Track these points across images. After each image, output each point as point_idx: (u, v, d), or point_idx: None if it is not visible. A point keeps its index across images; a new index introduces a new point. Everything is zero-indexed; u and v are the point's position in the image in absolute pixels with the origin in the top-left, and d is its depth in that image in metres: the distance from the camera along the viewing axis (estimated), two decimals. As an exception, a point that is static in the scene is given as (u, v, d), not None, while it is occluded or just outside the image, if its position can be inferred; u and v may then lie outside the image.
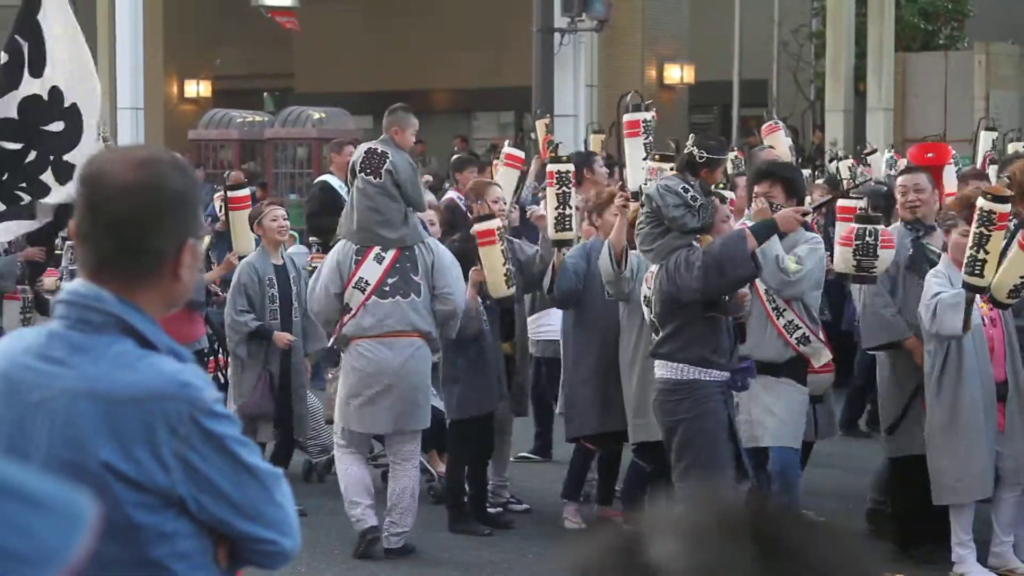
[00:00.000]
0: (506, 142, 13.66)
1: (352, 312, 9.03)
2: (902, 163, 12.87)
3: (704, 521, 1.39)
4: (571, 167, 9.84)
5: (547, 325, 10.82)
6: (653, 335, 8.16)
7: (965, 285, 8.13)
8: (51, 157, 6.85)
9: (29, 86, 6.92)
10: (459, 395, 9.59)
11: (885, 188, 10.53)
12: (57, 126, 6.84)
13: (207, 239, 10.77)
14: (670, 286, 7.91)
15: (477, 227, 9.43)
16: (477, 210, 9.90)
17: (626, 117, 9.42)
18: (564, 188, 9.59)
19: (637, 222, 8.31)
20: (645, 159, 9.22)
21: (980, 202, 8.13)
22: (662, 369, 8.01)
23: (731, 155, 12.40)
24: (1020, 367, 8.64)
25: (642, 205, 8.30)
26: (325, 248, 10.70)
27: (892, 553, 8.59)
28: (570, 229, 9.58)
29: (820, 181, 14.12)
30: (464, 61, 31.50)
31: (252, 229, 10.49)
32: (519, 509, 10.21)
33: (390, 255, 9.04)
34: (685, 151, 8.33)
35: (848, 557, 1.39)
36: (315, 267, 10.08)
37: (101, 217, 2.96)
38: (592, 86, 27.72)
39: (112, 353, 2.93)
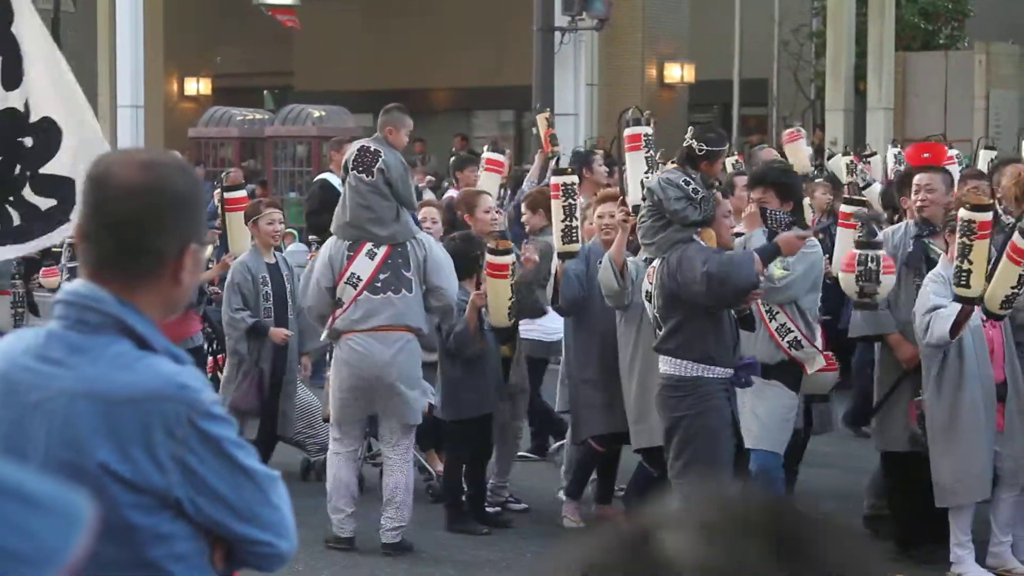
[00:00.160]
0: (485, 147, 13.65)
1: (344, 307, 9.11)
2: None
3: (717, 518, 1.36)
4: (576, 179, 9.82)
5: (533, 325, 10.81)
6: (656, 331, 8.16)
7: (956, 298, 8.14)
8: (28, 172, 6.86)
9: (3, 100, 6.93)
10: (457, 395, 9.59)
11: (883, 215, 10.49)
12: (28, 141, 6.85)
13: (210, 248, 10.78)
14: (671, 282, 7.91)
15: (492, 259, 9.41)
16: (469, 221, 10.04)
17: (627, 131, 9.43)
18: (570, 200, 9.56)
19: (639, 215, 8.32)
20: (646, 173, 9.23)
21: (960, 212, 8.15)
22: (665, 365, 8.01)
23: (731, 160, 12.40)
24: (1019, 368, 8.65)
25: (644, 199, 8.32)
26: (324, 246, 10.73)
27: (892, 553, 8.60)
28: (577, 241, 9.56)
29: (819, 180, 14.10)
30: (464, 60, 31.49)
31: (247, 223, 10.52)
32: (517, 508, 10.21)
33: (382, 251, 9.11)
34: (684, 144, 8.34)
35: (859, 558, 1.37)
36: (314, 265, 10.11)
37: (103, 217, 2.96)
38: (592, 85, 27.73)
39: (110, 354, 2.94)
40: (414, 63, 31.80)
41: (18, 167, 6.81)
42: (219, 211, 11.19)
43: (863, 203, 10.24)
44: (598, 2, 25.42)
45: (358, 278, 9.09)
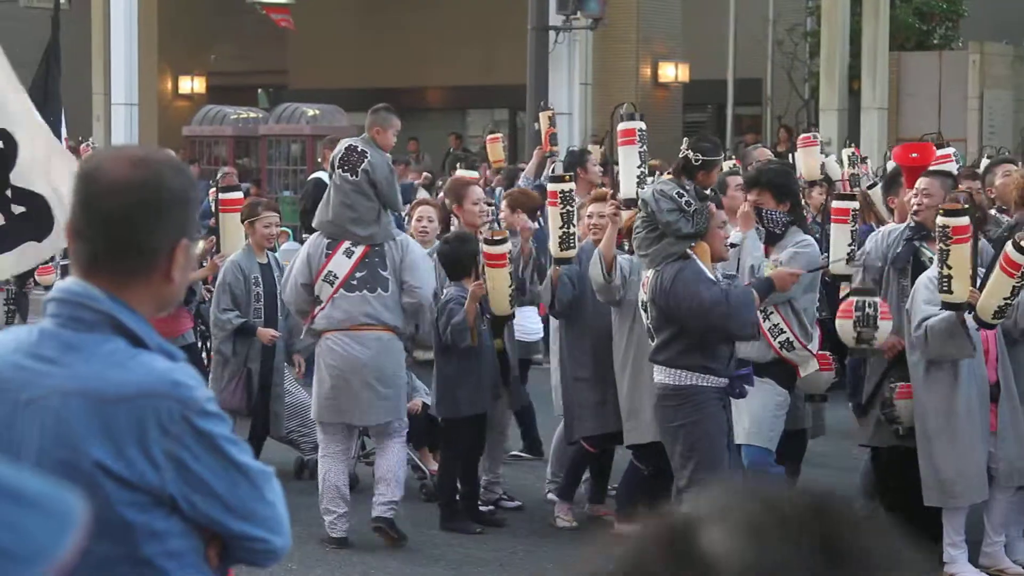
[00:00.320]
0: (457, 164, 13.70)
1: (322, 305, 9.19)
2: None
3: (762, 517, 1.34)
4: (573, 186, 9.83)
5: (517, 325, 10.80)
6: (650, 340, 8.15)
7: (943, 304, 8.16)
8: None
9: None
10: (452, 394, 9.59)
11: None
12: None
13: (201, 244, 10.76)
14: (663, 299, 7.89)
15: (488, 249, 9.43)
16: (457, 212, 10.05)
17: (620, 126, 9.44)
18: (568, 207, 9.57)
19: (634, 226, 8.32)
20: (640, 167, 9.24)
21: (938, 219, 8.16)
22: (660, 375, 8.00)
23: (729, 164, 12.39)
24: (1010, 368, 8.66)
25: (639, 210, 8.32)
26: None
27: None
28: (574, 248, 9.58)
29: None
30: (458, 58, 31.49)
31: (243, 222, 10.52)
32: (511, 506, 10.21)
33: (359, 250, 9.19)
34: (680, 155, 8.35)
35: (905, 560, 1.35)
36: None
37: (95, 213, 2.96)
38: (586, 84, 27.73)
39: (103, 352, 2.93)
40: (408, 62, 31.80)
41: None
42: (213, 210, 11.19)
43: (854, 198, 10.24)
44: (592, 1, 25.45)
45: (335, 276, 9.17)
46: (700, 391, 7.87)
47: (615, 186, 9.72)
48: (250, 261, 10.36)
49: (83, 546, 1.72)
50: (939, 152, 12.03)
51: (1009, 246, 8.13)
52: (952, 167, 11.73)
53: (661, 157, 16.03)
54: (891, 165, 14.74)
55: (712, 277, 7.89)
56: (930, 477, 8.49)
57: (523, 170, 14.39)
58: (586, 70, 27.61)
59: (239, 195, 11.38)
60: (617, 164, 9.71)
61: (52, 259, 11.35)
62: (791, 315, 8.72)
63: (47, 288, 10.61)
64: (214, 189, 11.56)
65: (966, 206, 8.31)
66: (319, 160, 15.82)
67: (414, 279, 9.19)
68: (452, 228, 10.80)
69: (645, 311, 8.30)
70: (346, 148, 9.31)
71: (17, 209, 6.89)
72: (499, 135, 15.87)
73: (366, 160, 9.20)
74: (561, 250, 9.54)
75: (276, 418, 10.59)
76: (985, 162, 12.99)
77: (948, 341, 8.21)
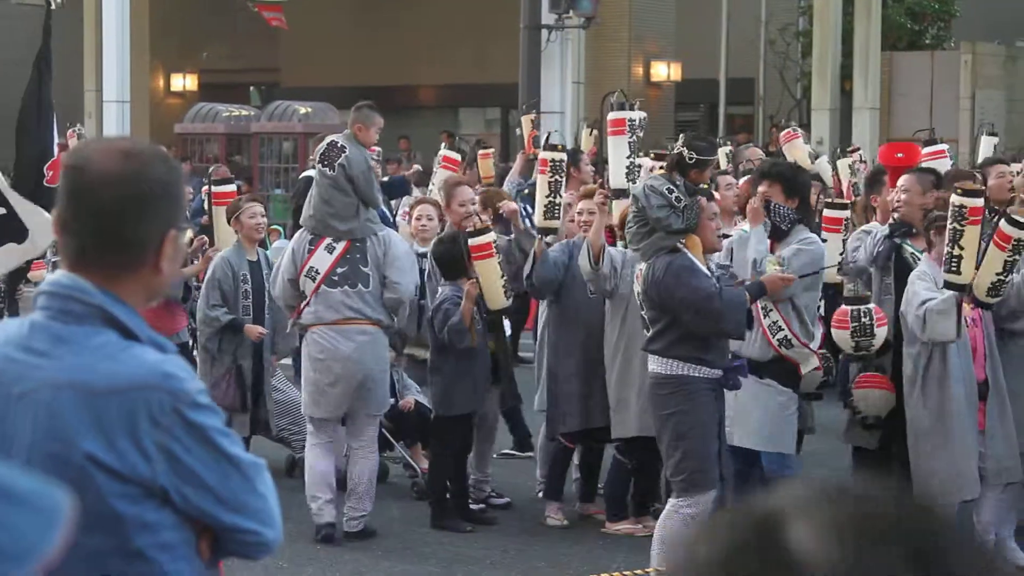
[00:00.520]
0: (443, 144, 13.68)
1: (306, 300, 9.30)
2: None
3: (851, 518, 1.31)
4: (564, 156, 9.84)
5: None
6: (644, 332, 8.16)
7: (946, 284, 8.16)
8: None
9: None
10: (445, 392, 9.60)
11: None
12: None
13: (189, 233, 10.75)
14: (654, 290, 7.91)
15: (472, 242, 9.45)
16: (446, 212, 10.08)
17: (610, 116, 9.43)
18: (557, 176, 9.59)
19: (627, 221, 8.33)
20: (629, 157, 9.22)
21: (952, 197, 8.17)
22: (653, 364, 8.03)
23: (725, 150, 12.37)
24: (1000, 367, 8.67)
25: (630, 204, 8.33)
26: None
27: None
28: (557, 218, 9.61)
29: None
30: (451, 57, 31.49)
31: (229, 222, 10.51)
32: (500, 503, 10.22)
33: (341, 246, 9.29)
34: (675, 151, 8.34)
35: (989, 566, 1.32)
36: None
37: (84, 206, 2.95)
38: (579, 83, 27.73)
39: (94, 344, 2.93)
40: (401, 60, 31.80)
41: None
42: (205, 205, 11.19)
43: (846, 207, 10.25)
44: (585, 0, 25.44)
45: (316, 271, 9.27)
46: (692, 381, 7.88)
47: (602, 186, 9.72)
48: (239, 258, 10.35)
49: (74, 538, 1.72)
50: (933, 148, 12.06)
51: (1003, 221, 8.16)
52: (946, 163, 11.75)
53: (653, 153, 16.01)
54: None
55: (704, 270, 7.90)
56: (923, 475, 8.49)
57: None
58: (578, 69, 27.62)
59: (232, 188, 11.38)
60: (604, 159, 9.72)
61: (44, 255, 11.33)
62: (791, 313, 8.68)
63: (36, 285, 10.61)
64: (207, 186, 11.55)
65: (981, 187, 8.34)
66: (311, 158, 15.81)
67: (395, 275, 9.27)
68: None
69: (641, 303, 8.32)
70: (327, 144, 9.44)
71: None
72: (491, 151, 15.85)
73: (344, 155, 9.29)
74: (545, 219, 9.55)
75: (267, 416, 10.56)
76: (985, 140, 12.99)
77: (940, 320, 8.20)
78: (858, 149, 15.81)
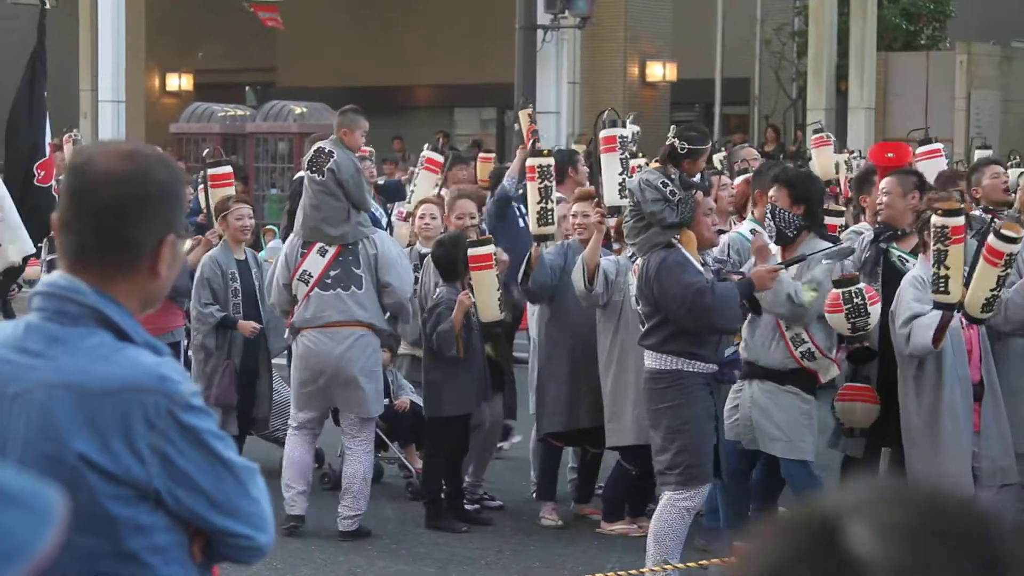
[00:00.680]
0: (425, 146, 13.64)
1: (299, 304, 9.40)
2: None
3: (920, 522, 1.28)
4: (551, 161, 9.84)
5: None
6: (640, 327, 8.17)
7: (935, 304, 8.15)
8: None
9: None
10: (438, 393, 9.60)
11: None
12: None
13: (188, 243, 10.74)
14: (647, 287, 7.92)
15: (472, 252, 9.46)
16: (445, 221, 10.11)
17: (602, 133, 9.44)
18: (546, 182, 9.60)
19: (624, 215, 8.33)
20: (622, 174, 9.24)
21: (933, 219, 8.15)
22: (648, 359, 8.05)
23: (719, 156, 12.35)
24: (994, 368, 8.67)
25: (628, 198, 8.34)
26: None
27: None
28: (552, 223, 9.60)
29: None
30: (446, 57, 31.49)
31: (217, 222, 10.51)
32: (493, 506, 10.22)
33: (333, 249, 9.38)
34: (667, 143, 8.33)
35: None
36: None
37: (84, 206, 2.96)
38: (574, 83, 27.75)
39: (89, 345, 2.93)
40: (396, 60, 31.80)
41: None
42: (201, 202, 11.18)
43: (840, 214, 10.24)
44: (580, 0, 25.44)
45: (309, 275, 9.37)
46: (686, 376, 7.89)
47: (597, 189, 9.71)
48: (227, 256, 10.34)
49: (67, 540, 1.72)
50: (928, 147, 12.06)
51: (991, 236, 8.15)
52: (942, 162, 11.75)
53: (649, 157, 16.03)
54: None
55: (698, 266, 7.90)
56: (914, 477, 8.50)
57: (508, 170, 14.36)
58: (574, 69, 27.63)
59: (228, 169, 11.38)
60: (598, 175, 9.70)
61: (39, 254, 11.33)
62: (816, 326, 8.61)
63: (31, 282, 10.61)
64: (202, 182, 11.54)
65: (962, 205, 8.33)
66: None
67: (390, 277, 9.34)
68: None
69: (636, 299, 8.33)
70: (315, 150, 9.51)
71: None
72: (492, 155, 15.85)
73: (332, 160, 9.34)
74: (539, 225, 9.56)
75: (266, 414, 10.56)
76: (978, 154, 12.99)
77: (922, 328, 8.19)
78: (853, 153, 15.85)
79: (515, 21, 24.75)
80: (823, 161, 13.09)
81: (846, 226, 10.33)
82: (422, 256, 10.31)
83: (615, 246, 9.45)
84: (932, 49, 28.72)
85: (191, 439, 2.92)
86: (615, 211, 9.03)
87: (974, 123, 26.64)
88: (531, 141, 10.67)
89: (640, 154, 10.80)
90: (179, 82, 34.42)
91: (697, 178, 8.46)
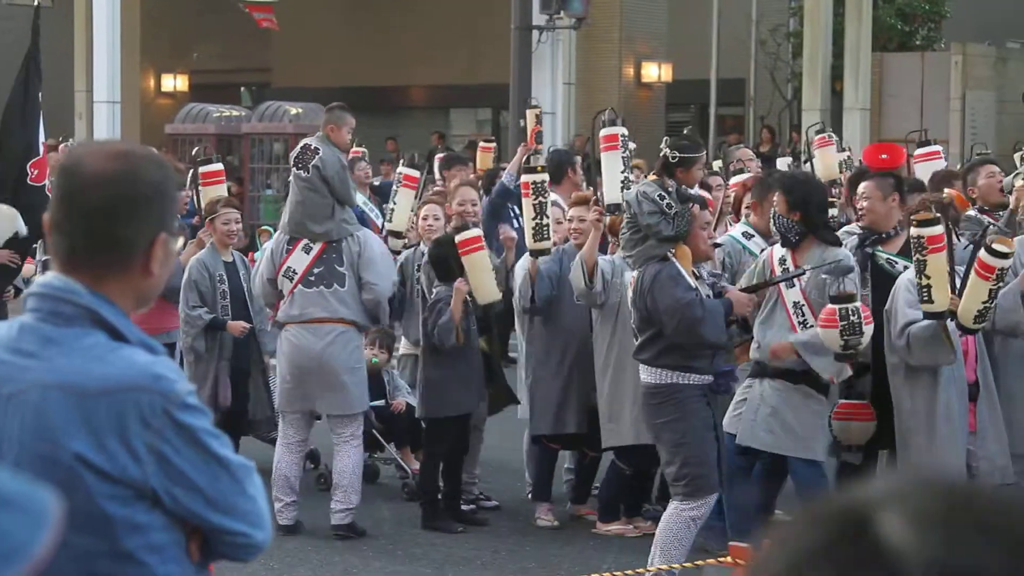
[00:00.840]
0: (400, 161, 13.60)
1: (283, 299, 9.48)
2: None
3: (952, 512, 1.26)
4: (546, 177, 9.83)
5: None
6: (634, 340, 8.17)
7: (925, 315, 8.15)
8: None
9: None
10: (436, 394, 9.59)
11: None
12: None
13: (181, 240, 10.73)
14: (641, 300, 7.92)
15: (460, 237, 9.48)
16: (448, 212, 10.12)
17: (603, 132, 9.42)
18: (540, 198, 9.60)
19: (621, 227, 8.33)
20: (623, 172, 9.23)
21: (912, 230, 8.15)
22: (644, 374, 8.05)
23: (716, 164, 12.34)
24: (989, 368, 8.68)
25: (623, 213, 8.34)
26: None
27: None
28: (548, 239, 9.61)
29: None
30: (442, 57, 31.49)
31: (205, 225, 10.51)
32: (489, 506, 10.22)
33: (317, 246, 9.46)
34: (660, 154, 8.34)
35: None
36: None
37: (75, 206, 2.96)
38: (570, 84, 27.75)
39: (84, 345, 2.93)
40: (392, 60, 31.79)
41: None
42: (195, 202, 11.18)
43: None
44: (576, 1, 25.46)
45: (294, 271, 9.45)
46: (681, 389, 7.89)
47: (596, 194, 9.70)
48: (214, 259, 10.33)
49: (63, 539, 1.72)
50: (927, 149, 12.06)
51: (983, 251, 8.14)
52: (941, 164, 11.73)
53: (643, 158, 16.04)
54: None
55: (690, 281, 7.88)
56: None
57: (503, 170, 14.35)
58: (569, 70, 27.64)
59: (219, 167, 11.41)
60: (597, 175, 9.68)
61: (34, 253, 11.33)
62: None
63: (26, 280, 10.59)
64: (192, 168, 11.56)
65: (937, 215, 8.29)
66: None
67: (371, 275, 9.40)
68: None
69: (631, 312, 8.32)
70: (301, 147, 9.59)
71: None
72: (492, 145, 15.84)
73: (317, 156, 9.40)
74: (535, 241, 9.57)
75: (262, 415, 10.56)
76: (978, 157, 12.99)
77: (930, 348, 8.21)
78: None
79: (511, 22, 24.76)
80: (826, 161, 13.05)
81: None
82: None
83: (610, 241, 9.42)
84: (927, 50, 28.73)
85: (187, 438, 2.92)
86: (615, 208, 9.02)
87: (969, 124, 26.66)
88: (525, 160, 10.67)
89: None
90: (174, 83, 34.40)
91: (697, 188, 8.45)
